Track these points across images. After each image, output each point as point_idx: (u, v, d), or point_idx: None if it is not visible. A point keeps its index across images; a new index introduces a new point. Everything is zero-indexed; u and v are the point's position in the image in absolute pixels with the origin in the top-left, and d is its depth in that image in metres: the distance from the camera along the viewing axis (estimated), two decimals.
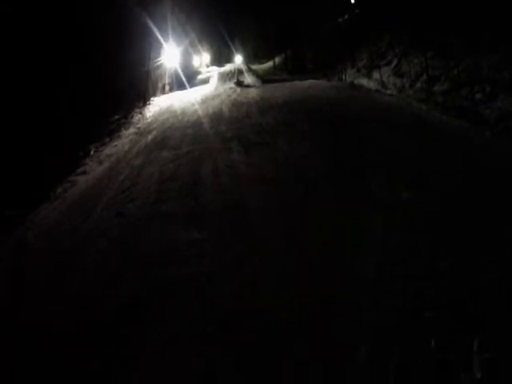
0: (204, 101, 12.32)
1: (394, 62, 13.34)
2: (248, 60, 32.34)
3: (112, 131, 11.75)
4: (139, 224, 4.18)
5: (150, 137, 8.58)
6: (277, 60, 27.75)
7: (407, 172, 4.68)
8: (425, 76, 10.54)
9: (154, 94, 16.74)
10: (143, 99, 15.59)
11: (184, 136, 7.75)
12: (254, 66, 28.03)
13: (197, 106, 11.70)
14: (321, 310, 2.54)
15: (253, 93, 12.63)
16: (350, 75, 15.95)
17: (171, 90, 17.90)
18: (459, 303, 2.48)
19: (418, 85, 10.83)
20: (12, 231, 5.99)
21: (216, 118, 9.19)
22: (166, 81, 17.40)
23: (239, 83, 15.60)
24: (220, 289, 2.77)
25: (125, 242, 3.86)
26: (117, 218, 4.48)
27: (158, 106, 14.17)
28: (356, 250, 3.16)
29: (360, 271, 2.91)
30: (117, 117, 12.96)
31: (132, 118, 13.41)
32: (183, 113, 10.75)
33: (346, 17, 20.28)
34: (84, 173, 8.33)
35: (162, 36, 16.71)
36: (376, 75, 14.00)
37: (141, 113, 13.96)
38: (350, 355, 2.18)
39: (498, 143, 5.77)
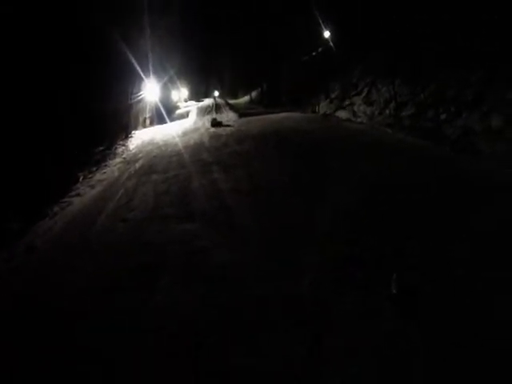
0: (185, 133, 13.94)
1: (365, 92, 14.55)
2: (225, 94, 34.47)
3: (98, 161, 13.13)
4: (141, 224, 5.64)
5: (137, 165, 10.03)
6: (253, 94, 29.86)
7: (356, 173, 6.36)
8: (393, 103, 11.76)
9: (136, 128, 18.27)
10: (126, 132, 17.10)
11: (170, 163, 9.26)
12: (231, 101, 30.02)
13: (178, 139, 13.28)
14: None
15: (230, 124, 14.32)
16: (323, 107, 17.55)
17: (152, 123, 19.48)
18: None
19: (387, 111, 12.04)
20: (18, 240, 7.19)
21: (197, 147, 10.78)
22: (147, 114, 18.99)
23: (216, 123, 15.22)
24: (212, 256, 4.27)
25: (130, 234, 5.31)
26: (121, 223, 5.90)
27: (141, 138, 15.66)
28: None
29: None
30: (101, 148, 14.36)
31: (116, 149, 14.87)
32: (166, 144, 12.30)
33: (319, 50, 21.91)
34: (78, 195, 9.61)
35: (143, 71, 18.40)
36: (347, 105, 15.50)
37: (124, 145, 15.43)
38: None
39: (454, 157, 6.97)
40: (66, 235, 6.64)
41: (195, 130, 14.49)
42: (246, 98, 31.58)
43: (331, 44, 19.18)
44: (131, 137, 16.47)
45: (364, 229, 4.47)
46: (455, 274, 3.36)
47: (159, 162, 9.59)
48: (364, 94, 14.33)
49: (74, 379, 2.90)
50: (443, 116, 8.84)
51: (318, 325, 3.00)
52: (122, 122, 16.92)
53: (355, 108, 14.18)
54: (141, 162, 10.23)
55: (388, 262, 3.67)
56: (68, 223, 7.30)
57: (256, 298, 3.39)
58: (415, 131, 9.34)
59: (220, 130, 13.51)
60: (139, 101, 19.00)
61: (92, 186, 9.91)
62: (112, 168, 11.29)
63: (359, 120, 13.15)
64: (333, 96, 17.31)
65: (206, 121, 16.43)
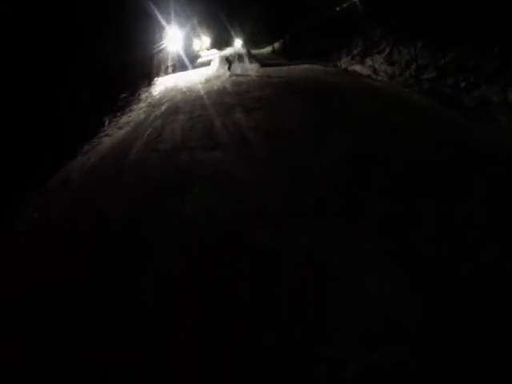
0: (207, 80, 14.56)
1: (387, 51, 14.45)
2: (248, 44, 34.50)
3: (122, 107, 13.91)
4: (171, 153, 6.47)
5: (162, 108, 10.78)
6: (276, 45, 29.91)
7: (369, 124, 6.99)
8: (414, 65, 11.79)
9: (159, 75, 18.94)
10: (149, 79, 17.81)
11: (194, 106, 9.99)
12: (253, 51, 30.19)
13: (201, 85, 13.90)
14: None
15: (252, 74, 14.88)
16: (344, 62, 17.79)
17: (174, 71, 20.08)
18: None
19: (407, 73, 12.10)
20: (52, 176, 8.01)
21: (220, 93, 11.44)
22: (170, 63, 19.57)
23: (229, 63, 16.66)
24: (232, 175, 5.12)
25: (162, 160, 6.18)
26: (153, 152, 6.75)
27: (164, 85, 16.33)
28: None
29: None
30: (124, 95, 15.14)
31: (139, 95, 15.63)
32: (189, 90, 12.98)
33: (344, 6, 22.07)
34: (107, 135, 10.43)
35: (164, 20, 18.87)
36: (369, 62, 15.70)
37: (147, 91, 16.15)
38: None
39: (470, 124, 7.21)
40: (100, 168, 7.47)
41: (217, 77, 15.06)
42: (269, 49, 31.64)
43: (356, 0, 19.17)
44: (154, 84, 17.12)
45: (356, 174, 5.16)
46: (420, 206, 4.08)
47: (184, 105, 10.31)
48: (386, 53, 14.40)
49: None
50: (462, 84, 9.07)
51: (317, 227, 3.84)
52: (144, 70, 17.56)
53: (376, 66, 14.36)
54: (166, 105, 10.96)
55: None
56: (100, 158, 8.09)
57: (267, 202, 4.26)
58: (434, 95, 9.60)
59: (241, 77, 14.07)
60: (161, 49, 19.55)
61: (120, 128, 10.69)
62: (137, 112, 12.04)
63: (379, 78, 13.44)
64: (355, 52, 17.44)
65: (228, 70, 16.93)
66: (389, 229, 3.75)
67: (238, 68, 16.99)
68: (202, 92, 12.12)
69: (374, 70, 14.65)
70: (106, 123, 12.06)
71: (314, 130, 6.70)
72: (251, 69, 17.67)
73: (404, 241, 3.54)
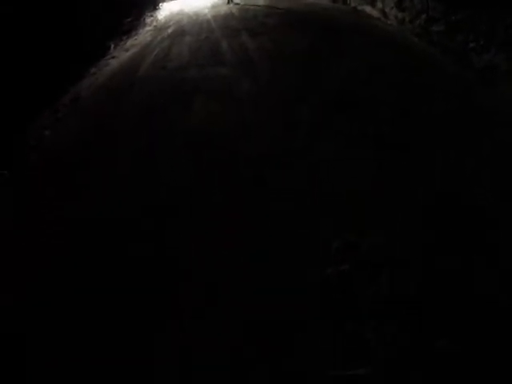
0: (214, 6, 14.52)
1: None
2: None
3: (127, 31, 14.03)
4: (179, 70, 6.90)
5: (169, 30, 10.97)
6: None
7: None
8: (425, 15, 11.39)
9: (164, 0, 18.76)
10: (153, 4, 17.69)
11: (201, 29, 10.21)
12: None
13: (207, 10, 13.92)
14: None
15: (259, 2, 14.83)
16: (354, 1, 17.59)
17: None
18: None
19: (418, 22, 11.63)
20: (61, 97, 8.42)
21: (226, 17, 11.57)
22: None
23: None
24: (237, 86, 5.60)
25: (171, 75, 6.66)
26: (161, 70, 7.15)
27: (169, 10, 16.26)
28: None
29: None
30: (129, 19, 15.16)
31: (144, 20, 15.63)
32: (196, 14, 13.05)
33: None
34: (113, 57, 10.72)
35: None
36: (379, 5, 15.53)
37: (152, 16, 16.11)
38: None
39: (475, 83, 7.29)
40: (108, 86, 7.88)
41: (224, 3, 15.03)
42: None
43: None
44: (159, 8, 17.03)
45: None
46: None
47: (191, 28, 10.51)
48: None
49: None
50: (472, 44, 8.99)
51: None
52: None
53: (387, 10, 14.17)
54: (172, 28, 11.14)
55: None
56: (109, 78, 8.50)
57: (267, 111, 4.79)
58: (442, 49, 9.51)
59: (249, 4, 14.08)
60: None
61: (126, 50, 10.95)
62: (144, 35, 12.21)
63: (389, 22, 13.40)
64: None
65: None
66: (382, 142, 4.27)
67: None
68: (209, 16, 12.23)
69: (384, 14, 14.49)
70: (112, 47, 12.26)
71: (316, 56, 7.05)
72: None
73: (393, 152, 4.06)
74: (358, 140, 4.34)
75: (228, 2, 14.83)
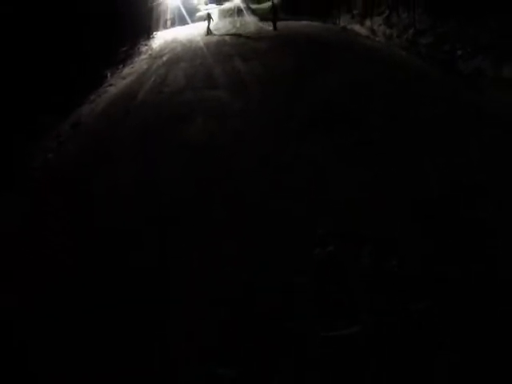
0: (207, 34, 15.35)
1: (386, 13, 14.79)
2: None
3: (122, 60, 14.69)
4: (176, 93, 7.46)
5: (164, 58, 11.63)
6: (275, 0, 30.19)
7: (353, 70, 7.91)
8: (413, 29, 12.17)
9: (158, 29, 19.59)
10: (148, 33, 18.49)
11: (195, 55, 10.87)
12: (253, 6, 30.50)
13: (200, 38, 14.68)
14: None
15: (251, 28, 15.65)
16: (344, 20, 18.23)
17: (173, 25, 20.71)
18: None
19: (405, 36, 12.36)
20: (62, 123, 8.89)
21: (219, 44, 12.27)
22: (168, 17, 20.19)
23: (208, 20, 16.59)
24: (231, 106, 6.16)
25: (168, 99, 7.19)
26: (159, 94, 7.73)
27: (163, 38, 17.04)
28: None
29: None
30: (124, 48, 15.87)
31: (139, 49, 16.35)
32: (189, 42, 13.78)
33: None
34: (111, 85, 11.30)
35: None
36: (368, 23, 16.22)
37: (147, 45, 16.86)
38: None
39: (463, 89, 7.47)
40: (108, 111, 8.36)
41: (217, 29, 15.83)
42: (269, 4, 31.84)
43: None
44: (153, 37, 17.80)
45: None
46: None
47: (185, 55, 11.18)
48: (385, 15, 14.74)
49: None
50: (459, 52, 9.38)
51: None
52: (143, 24, 18.16)
53: (375, 27, 14.74)
54: (167, 56, 11.80)
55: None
56: (108, 104, 9.00)
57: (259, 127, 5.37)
58: (430, 60, 9.92)
59: (241, 30, 14.85)
60: (160, 3, 20.11)
61: (123, 78, 11.51)
62: (139, 63, 12.85)
63: (378, 39, 13.98)
64: (355, 12, 17.86)
65: (228, 23, 17.61)
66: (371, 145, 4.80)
67: (237, 23, 17.61)
68: (202, 44, 12.94)
69: (373, 31, 15.17)
70: (109, 75, 12.87)
71: (303, 76, 7.64)
72: (250, 23, 18.30)
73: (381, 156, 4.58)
74: (345, 146, 4.86)
75: (207, 34, 15.59)
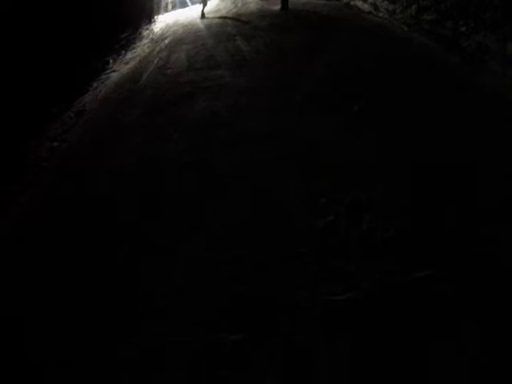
0: (208, 14, 15.24)
1: None
2: None
3: (125, 45, 14.71)
4: (179, 74, 7.50)
5: (166, 41, 11.61)
6: None
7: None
8: (416, 5, 11.75)
9: (159, 13, 19.51)
10: (149, 17, 18.43)
11: (197, 37, 10.85)
12: None
13: (201, 20, 14.64)
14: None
15: (252, 6, 15.50)
16: None
17: (174, 8, 20.60)
18: None
19: (408, 12, 12.06)
20: (65, 112, 9.00)
21: (221, 25, 12.23)
22: (169, 0, 20.07)
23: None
24: (233, 84, 6.19)
25: (171, 80, 7.28)
26: (161, 75, 7.77)
27: (164, 22, 16.98)
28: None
29: None
30: (126, 34, 15.85)
31: (141, 33, 16.32)
32: (191, 24, 13.72)
33: None
34: (114, 71, 11.35)
35: None
36: None
37: (148, 29, 16.83)
38: None
39: (463, 66, 7.84)
40: (112, 96, 8.44)
41: (218, 10, 15.71)
42: None
43: None
44: (154, 21, 17.74)
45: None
46: None
47: (186, 36, 11.16)
48: None
49: None
50: (463, 28, 9.36)
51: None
52: (145, 8, 18.14)
53: (378, 3, 14.69)
54: (169, 39, 11.78)
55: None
56: (111, 89, 9.07)
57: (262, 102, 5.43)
58: (433, 36, 9.96)
59: (242, 10, 14.75)
60: None
61: (126, 63, 11.55)
62: (141, 48, 12.86)
63: (380, 15, 13.91)
64: None
65: (229, 3, 17.46)
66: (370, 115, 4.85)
67: (238, 2, 17.44)
68: (203, 25, 12.90)
69: (376, 7, 15.04)
70: (111, 61, 12.89)
71: (306, 52, 7.64)
72: (251, 2, 18.14)
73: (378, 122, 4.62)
74: (348, 116, 4.95)
75: (202, 17, 15.35)
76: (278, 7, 14.01)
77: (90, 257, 3.81)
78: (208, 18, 14.74)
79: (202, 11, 15.35)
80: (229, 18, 13.15)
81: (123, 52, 13.68)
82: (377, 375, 2.41)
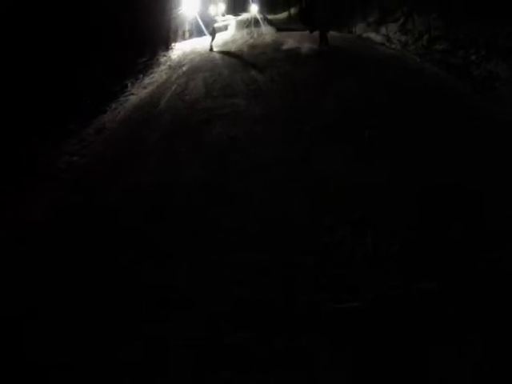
0: (225, 44, 15.90)
1: (401, 20, 15.00)
2: (264, 10, 35.53)
3: (143, 70, 15.32)
4: (197, 101, 7.99)
5: (184, 68, 12.19)
6: (292, 11, 30.90)
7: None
8: (427, 35, 12.54)
9: (176, 41, 20.24)
10: (166, 44, 19.17)
11: (214, 65, 11.42)
12: (269, 16, 31.26)
13: (217, 49, 15.31)
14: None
15: (268, 38, 16.19)
16: (359, 29, 18.63)
17: (191, 36, 21.39)
18: None
19: (420, 43, 12.83)
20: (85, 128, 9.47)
21: (238, 54, 12.84)
22: (186, 28, 20.88)
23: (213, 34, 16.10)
24: (249, 112, 6.67)
25: (189, 106, 7.77)
26: (180, 101, 8.26)
27: (182, 49, 17.65)
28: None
29: None
30: (144, 59, 16.52)
31: (158, 59, 16.98)
32: (208, 52, 14.38)
33: None
34: (132, 94, 11.88)
35: None
36: (383, 31, 16.62)
37: (166, 55, 17.50)
38: None
39: (473, 94, 8.28)
40: (131, 117, 8.90)
41: (235, 40, 16.39)
42: (285, 15, 32.49)
43: None
44: (172, 48, 18.43)
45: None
46: None
47: (204, 65, 11.73)
48: (400, 22, 15.12)
49: None
50: (473, 57, 9.75)
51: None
52: (162, 35, 18.86)
53: (390, 34, 15.13)
54: (186, 66, 12.36)
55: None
56: (130, 111, 9.52)
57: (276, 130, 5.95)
58: (444, 65, 10.43)
59: (258, 41, 15.40)
60: (178, 15, 20.79)
61: (144, 87, 12.07)
62: (159, 74, 13.41)
63: (393, 46, 14.45)
64: (370, 20, 18.25)
65: (245, 33, 18.18)
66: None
67: (254, 33, 18.13)
68: (219, 55, 13.52)
69: (388, 39, 15.59)
70: (129, 85, 13.45)
71: (320, 82, 8.13)
72: (267, 33, 18.87)
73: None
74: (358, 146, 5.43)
75: (210, 49, 15.73)
76: (293, 40, 14.65)
77: (93, 260, 4.09)
78: (221, 50, 15.30)
79: (211, 44, 15.57)
80: (246, 47, 13.70)
81: (141, 76, 14.24)
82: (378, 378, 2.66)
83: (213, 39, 15.87)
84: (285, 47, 12.61)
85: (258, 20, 25.73)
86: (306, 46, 12.43)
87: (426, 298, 3.08)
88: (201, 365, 2.84)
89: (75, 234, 4.61)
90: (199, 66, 11.61)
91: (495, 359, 2.60)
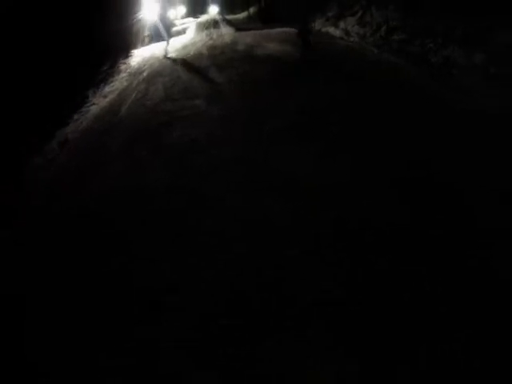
0: (184, 47, 15.96)
1: (359, 14, 15.50)
2: (223, 11, 35.65)
3: (103, 79, 15.28)
4: (157, 105, 8.07)
5: (144, 74, 12.23)
6: (251, 10, 31.09)
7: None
8: (385, 27, 12.86)
9: (136, 47, 20.18)
10: (126, 51, 19.10)
11: (173, 70, 11.49)
12: (228, 17, 31.39)
13: (178, 52, 15.36)
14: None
15: (227, 38, 16.32)
16: (318, 24, 19.07)
17: (150, 42, 21.35)
18: None
19: (378, 34, 13.16)
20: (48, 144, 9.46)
21: (197, 57, 12.94)
22: (146, 33, 20.83)
23: None
24: (208, 113, 6.79)
25: (150, 110, 7.81)
26: (141, 107, 8.34)
27: (141, 56, 17.57)
28: None
29: None
30: (104, 68, 16.46)
31: (119, 67, 16.94)
32: (166, 57, 14.44)
33: None
34: (93, 104, 11.88)
35: None
36: (342, 25, 16.95)
37: (125, 63, 17.45)
38: None
39: (431, 81, 8.62)
40: (93, 127, 8.97)
41: (194, 43, 16.46)
42: (245, 15, 32.61)
43: None
44: (131, 55, 18.38)
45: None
46: None
47: (163, 70, 11.80)
48: (358, 16, 15.58)
49: None
50: (430, 45, 10.07)
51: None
52: (122, 42, 18.81)
53: (349, 28, 15.52)
54: (146, 72, 12.41)
55: None
56: (92, 121, 9.56)
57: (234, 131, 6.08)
58: (402, 54, 10.77)
59: (217, 42, 15.52)
60: (138, 20, 20.71)
61: (105, 96, 12.05)
62: (120, 81, 13.40)
63: (351, 39, 14.76)
64: (329, 15, 18.61)
65: (205, 35, 18.27)
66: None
67: (213, 34, 18.25)
68: (179, 58, 13.60)
69: (347, 32, 15.87)
70: (90, 95, 13.40)
71: (278, 79, 8.31)
72: (226, 34, 18.99)
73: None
74: (318, 142, 5.58)
75: (165, 55, 15.75)
76: (252, 39, 14.82)
77: (75, 266, 4.19)
78: (180, 53, 15.36)
79: (166, 49, 15.63)
80: (205, 49, 13.80)
81: (102, 85, 14.20)
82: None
83: (167, 44, 16.14)
84: (241, 47, 12.70)
85: (217, 21, 25.82)
86: (265, 46, 12.61)
87: (415, 297, 3.20)
88: (188, 367, 2.93)
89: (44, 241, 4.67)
90: (159, 71, 11.69)
91: (486, 357, 2.71)
